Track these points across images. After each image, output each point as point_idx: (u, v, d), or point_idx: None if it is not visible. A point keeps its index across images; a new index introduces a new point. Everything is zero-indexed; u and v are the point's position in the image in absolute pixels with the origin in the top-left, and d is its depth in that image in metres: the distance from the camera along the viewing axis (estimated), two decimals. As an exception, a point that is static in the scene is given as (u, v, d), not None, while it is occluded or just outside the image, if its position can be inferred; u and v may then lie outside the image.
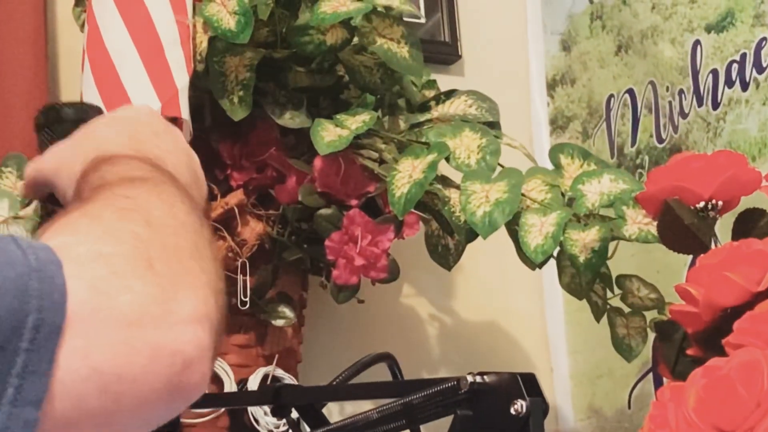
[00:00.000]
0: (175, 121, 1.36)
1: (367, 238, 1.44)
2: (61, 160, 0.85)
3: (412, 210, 1.40)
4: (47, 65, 1.62)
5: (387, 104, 1.54)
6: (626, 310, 1.42)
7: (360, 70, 1.48)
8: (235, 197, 1.46)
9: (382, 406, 0.83)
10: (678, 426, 0.98)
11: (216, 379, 1.47)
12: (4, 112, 1.53)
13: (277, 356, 1.51)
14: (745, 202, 1.17)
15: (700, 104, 1.64)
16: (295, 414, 1.02)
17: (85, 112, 0.91)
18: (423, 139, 1.43)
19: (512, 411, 0.77)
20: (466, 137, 1.40)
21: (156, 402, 0.62)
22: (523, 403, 0.77)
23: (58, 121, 0.90)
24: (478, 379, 0.79)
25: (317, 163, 1.45)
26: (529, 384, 0.78)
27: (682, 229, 1.13)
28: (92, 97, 1.34)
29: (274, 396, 0.99)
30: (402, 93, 1.56)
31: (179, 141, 0.88)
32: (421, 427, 0.90)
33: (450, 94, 1.54)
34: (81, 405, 0.59)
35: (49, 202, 0.88)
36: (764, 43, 1.54)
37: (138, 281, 0.62)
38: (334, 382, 0.98)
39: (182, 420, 1.38)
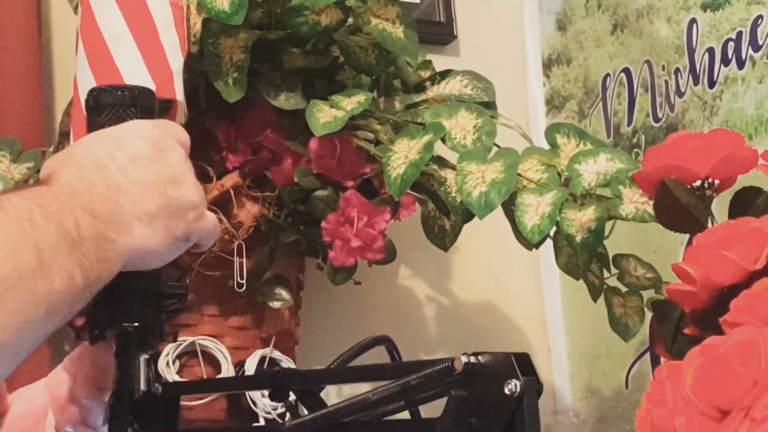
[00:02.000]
0: (170, 103, 1.36)
1: (363, 219, 1.44)
2: (51, 164, 0.84)
3: (408, 191, 1.40)
4: (40, 49, 1.61)
5: (382, 85, 1.54)
6: (623, 289, 1.42)
7: (355, 50, 1.48)
8: (231, 179, 1.46)
9: (377, 388, 0.83)
10: (675, 404, 0.98)
11: (213, 362, 1.47)
12: (-3, 97, 1.53)
13: (274, 338, 1.51)
14: (742, 181, 1.16)
15: (696, 83, 1.64)
16: (293, 397, 1.02)
17: (136, 96, 0.90)
18: (419, 120, 1.43)
19: (506, 391, 0.77)
20: (461, 117, 1.39)
21: None
22: (517, 383, 0.76)
23: (108, 103, 0.89)
24: (472, 359, 0.79)
25: (313, 144, 1.45)
26: (523, 363, 0.77)
27: (679, 208, 1.12)
28: (86, 79, 1.34)
29: (272, 380, 0.98)
30: (397, 74, 1.55)
31: (169, 167, 0.86)
32: (420, 408, 0.90)
33: (445, 74, 1.54)
34: None
35: None
36: (760, 20, 1.54)
37: None
38: (332, 366, 0.97)
39: (181, 403, 1.38)
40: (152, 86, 1.32)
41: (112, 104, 0.89)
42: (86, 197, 0.78)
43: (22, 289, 0.70)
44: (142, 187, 0.83)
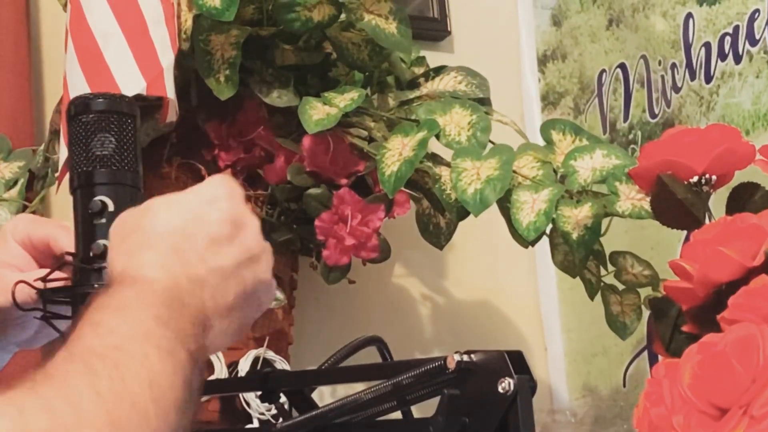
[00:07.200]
0: (161, 100, 1.35)
1: (357, 217, 1.43)
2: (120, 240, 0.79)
3: (403, 188, 1.39)
4: (30, 46, 1.60)
5: (376, 81, 1.53)
6: (620, 287, 1.42)
7: (348, 47, 1.47)
8: (223, 178, 1.45)
9: (370, 388, 0.82)
10: (673, 403, 0.97)
11: (207, 363, 1.46)
12: (-14, 95, 1.52)
13: (267, 338, 1.51)
14: (739, 177, 1.16)
15: (692, 78, 1.63)
16: (284, 398, 1.01)
17: (117, 103, 0.89)
18: (413, 117, 1.42)
19: (500, 389, 0.76)
20: (456, 114, 1.39)
21: None
22: (511, 381, 0.76)
23: (89, 111, 0.88)
24: (465, 357, 0.78)
25: (306, 142, 1.44)
26: (517, 362, 0.77)
27: (676, 205, 1.12)
28: (76, 77, 1.33)
29: (262, 381, 0.98)
30: (391, 70, 1.55)
31: (247, 248, 0.80)
32: (413, 408, 0.89)
33: (439, 70, 1.53)
34: None
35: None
36: (757, 15, 1.53)
37: None
38: (323, 367, 0.97)
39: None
40: (143, 83, 1.32)
41: (93, 112, 0.88)
42: (178, 301, 0.74)
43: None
44: (220, 277, 0.78)
